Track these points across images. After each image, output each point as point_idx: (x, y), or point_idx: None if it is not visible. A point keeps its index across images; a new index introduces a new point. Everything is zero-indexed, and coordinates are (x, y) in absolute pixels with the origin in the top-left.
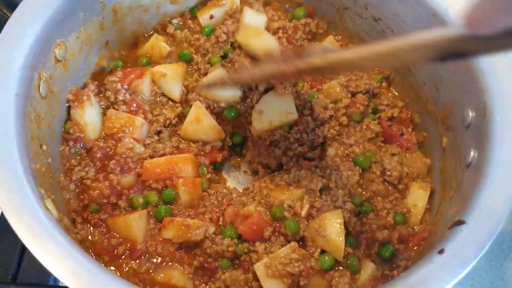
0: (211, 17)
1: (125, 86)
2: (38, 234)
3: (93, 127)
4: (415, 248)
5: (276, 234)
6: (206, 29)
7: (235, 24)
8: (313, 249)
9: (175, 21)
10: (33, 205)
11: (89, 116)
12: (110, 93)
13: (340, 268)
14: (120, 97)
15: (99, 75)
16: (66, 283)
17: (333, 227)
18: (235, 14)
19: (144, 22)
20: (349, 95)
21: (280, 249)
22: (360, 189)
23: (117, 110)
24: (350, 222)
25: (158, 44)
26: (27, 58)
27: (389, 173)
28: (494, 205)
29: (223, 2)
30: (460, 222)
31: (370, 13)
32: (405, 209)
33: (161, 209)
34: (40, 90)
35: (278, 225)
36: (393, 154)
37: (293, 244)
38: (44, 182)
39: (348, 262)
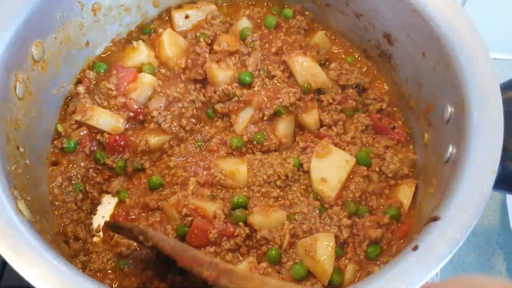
0: (186, 16)
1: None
2: (8, 235)
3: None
4: (398, 242)
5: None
6: None
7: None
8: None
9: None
10: (4, 206)
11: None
12: (102, 97)
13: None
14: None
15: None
16: (37, 286)
17: (324, 250)
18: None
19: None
20: (340, 90)
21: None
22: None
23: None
24: (340, 236)
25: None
26: (2, 59)
27: (386, 165)
28: (469, 201)
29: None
30: (435, 218)
31: (352, 9)
32: (398, 204)
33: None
34: (17, 91)
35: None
36: (387, 147)
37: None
38: (19, 183)
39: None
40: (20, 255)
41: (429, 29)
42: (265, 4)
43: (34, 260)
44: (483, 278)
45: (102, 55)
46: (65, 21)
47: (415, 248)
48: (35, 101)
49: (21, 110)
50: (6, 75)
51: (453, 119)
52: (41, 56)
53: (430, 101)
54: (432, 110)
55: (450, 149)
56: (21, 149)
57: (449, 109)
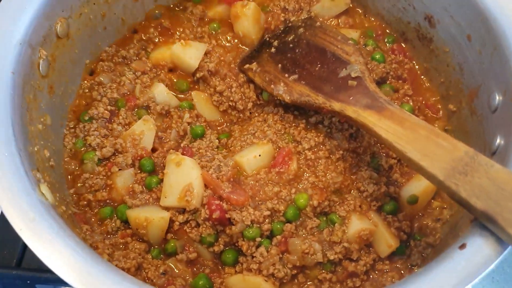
0: None
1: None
2: (30, 219)
3: None
4: None
5: None
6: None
7: None
8: None
9: None
10: (27, 189)
11: None
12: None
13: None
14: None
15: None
16: (57, 272)
17: None
18: None
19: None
20: None
21: None
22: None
23: None
24: None
25: None
26: (26, 34)
27: None
28: None
29: None
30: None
31: None
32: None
33: None
34: (40, 68)
35: None
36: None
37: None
38: (41, 165)
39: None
40: (42, 240)
41: (476, 10)
42: None
43: (55, 247)
44: None
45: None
46: None
47: (463, 247)
48: (58, 79)
49: (45, 89)
50: (30, 52)
51: (501, 108)
52: (65, 32)
53: (473, 87)
54: (476, 97)
55: (498, 140)
56: (42, 127)
57: (497, 97)
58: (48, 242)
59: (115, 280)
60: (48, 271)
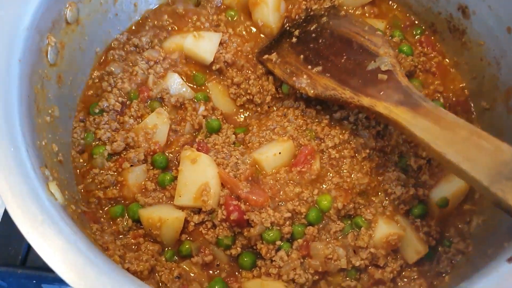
0: None
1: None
2: (39, 222)
3: None
4: None
5: None
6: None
7: None
8: None
9: None
10: (35, 189)
11: None
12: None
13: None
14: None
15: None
16: (68, 281)
17: None
18: None
19: None
20: None
21: None
22: None
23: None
24: None
25: None
26: (34, 19)
27: None
28: None
29: None
30: None
31: None
32: None
33: None
34: (49, 56)
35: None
36: None
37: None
38: (50, 161)
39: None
40: (52, 247)
41: None
42: None
43: (65, 251)
44: None
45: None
46: None
47: (511, 260)
48: (67, 68)
49: (53, 78)
50: (38, 38)
51: None
52: (75, 18)
53: (511, 84)
54: None
55: None
56: (49, 119)
57: None
58: (58, 249)
59: None
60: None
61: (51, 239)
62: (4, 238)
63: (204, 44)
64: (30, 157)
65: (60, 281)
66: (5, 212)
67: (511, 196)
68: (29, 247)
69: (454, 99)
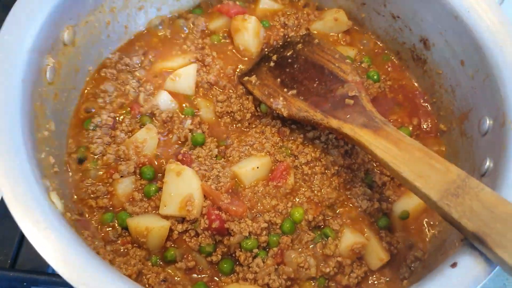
0: None
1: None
2: (43, 228)
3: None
4: None
5: None
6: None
7: None
8: None
9: None
10: (38, 197)
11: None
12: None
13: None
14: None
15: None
16: (68, 280)
17: None
18: None
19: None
20: None
21: None
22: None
23: None
24: None
25: None
26: (35, 42)
27: None
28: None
29: None
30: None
31: (389, 10)
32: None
33: None
34: (47, 75)
35: None
36: None
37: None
38: (48, 172)
39: None
40: (54, 249)
41: (471, 38)
42: None
43: (68, 253)
44: None
45: (130, 42)
46: (97, 5)
47: (454, 265)
48: (63, 86)
49: (50, 95)
50: (38, 59)
51: (491, 132)
52: (71, 40)
53: (464, 110)
54: (466, 120)
55: (487, 163)
56: (47, 133)
57: (487, 122)
58: (59, 251)
59: None
60: (43, 273)
61: (52, 243)
62: None
63: (182, 83)
64: (33, 169)
65: (50, 283)
66: None
67: (455, 210)
68: (18, 250)
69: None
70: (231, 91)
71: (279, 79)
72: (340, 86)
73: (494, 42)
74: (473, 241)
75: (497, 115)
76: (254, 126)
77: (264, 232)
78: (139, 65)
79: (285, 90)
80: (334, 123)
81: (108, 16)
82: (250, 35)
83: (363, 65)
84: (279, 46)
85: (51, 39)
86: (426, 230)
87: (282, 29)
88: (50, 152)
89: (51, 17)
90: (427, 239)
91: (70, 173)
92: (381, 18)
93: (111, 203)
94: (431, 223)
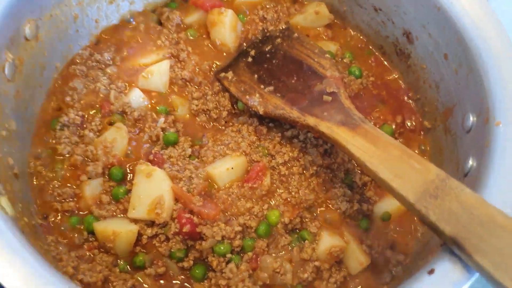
0: None
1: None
2: None
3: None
4: None
5: None
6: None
7: None
8: None
9: None
10: None
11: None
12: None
13: None
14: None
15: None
16: None
17: None
18: None
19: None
20: None
21: None
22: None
23: None
24: None
25: None
26: None
27: None
28: None
29: None
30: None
31: (371, 2)
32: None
33: None
34: (6, 72)
35: None
36: None
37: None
38: (3, 174)
39: None
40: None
41: (454, 30)
42: None
43: (13, 264)
44: None
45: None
46: None
47: (431, 272)
48: (26, 83)
49: (11, 93)
50: None
51: (474, 129)
52: (34, 34)
53: (449, 105)
54: (451, 116)
55: (470, 162)
56: (5, 133)
57: (471, 118)
58: (5, 259)
59: None
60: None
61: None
62: None
63: (155, 80)
64: None
65: None
66: None
67: (432, 212)
68: None
69: (404, 119)
70: (207, 88)
71: (256, 75)
72: (319, 82)
73: (477, 35)
74: (451, 246)
75: (480, 111)
76: (231, 124)
77: (238, 236)
78: (111, 61)
79: (262, 86)
80: (311, 121)
81: (75, 10)
82: (226, 29)
83: (345, 60)
84: (258, 40)
85: (10, 33)
86: (409, 232)
87: (261, 23)
88: (9, 152)
89: (8, 9)
90: (409, 242)
91: (34, 176)
92: (363, 11)
93: (77, 206)
94: (414, 225)
